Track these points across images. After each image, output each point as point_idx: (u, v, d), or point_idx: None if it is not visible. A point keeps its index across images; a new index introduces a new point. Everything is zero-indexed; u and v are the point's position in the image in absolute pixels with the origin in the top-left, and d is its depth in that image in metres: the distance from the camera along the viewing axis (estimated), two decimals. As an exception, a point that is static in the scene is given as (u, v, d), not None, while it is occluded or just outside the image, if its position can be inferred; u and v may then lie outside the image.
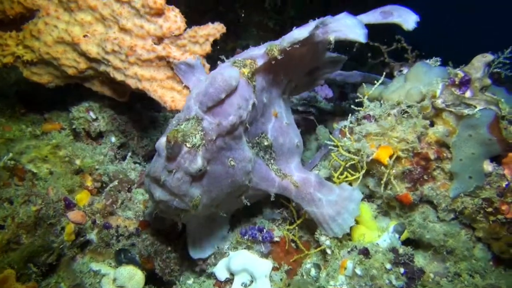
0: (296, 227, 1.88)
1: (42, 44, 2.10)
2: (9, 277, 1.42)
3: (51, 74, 2.28)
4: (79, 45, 2.03)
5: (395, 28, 2.15)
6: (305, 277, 1.74)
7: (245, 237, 1.75)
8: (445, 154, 1.65)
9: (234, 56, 1.84)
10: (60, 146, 2.01)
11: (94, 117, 2.47)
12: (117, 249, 1.81)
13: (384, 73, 1.90)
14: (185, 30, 2.19)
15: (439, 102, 1.62)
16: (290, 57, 1.74)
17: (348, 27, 1.88)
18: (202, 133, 1.50)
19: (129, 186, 2.24)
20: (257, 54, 1.72)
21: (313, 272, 1.71)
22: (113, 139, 2.56)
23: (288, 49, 1.65)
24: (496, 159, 1.63)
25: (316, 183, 1.80)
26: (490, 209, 1.59)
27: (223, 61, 1.78)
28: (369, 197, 1.93)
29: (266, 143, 1.80)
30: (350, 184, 1.92)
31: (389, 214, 1.86)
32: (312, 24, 1.68)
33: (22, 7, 2.14)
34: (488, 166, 1.60)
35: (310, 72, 2.20)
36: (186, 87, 2.06)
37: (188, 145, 1.47)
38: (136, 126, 2.73)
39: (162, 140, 1.51)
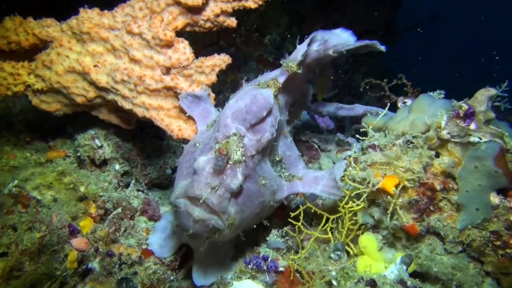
0: (302, 257, 1.85)
1: (53, 74, 2.15)
2: (10, 306, 1.39)
3: (59, 103, 2.32)
4: (89, 75, 2.08)
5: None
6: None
7: (249, 266, 1.73)
8: (451, 185, 1.65)
9: (255, 80, 1.97)
10: (65, 173, 2.02)
11: (99, 144, 2.49)
12: (119, 277, 1.78)
13: (388, 104, 1.93)
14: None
15: (444, 133, 1.64)
16: (294, 78, 1.96)
17: (341, 39, 2.16)
18: (243, 149, 1.57)
19: (132, 213, 2.23)
20: (277, 73, 1.93)
21: (319, 304, 1.67)
22: (117, 166, 2.57)
23: (302, 59, 1.91)
24: (503, 191, 1.63)
25: (314, 171, 2.03)
26: (498, 243, 1.56)
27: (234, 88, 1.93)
28: (374, 227, 1.91)
29: (277, 159, 1.92)
30: (355, 213, 1.92)
31: (395, 245, 1.84)
32: (308, 39, 1.99)
33: (37, 38, 2.21)
34: (495, 199, 1.59)
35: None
36: (191, 117, 2.10)
37: (230, 162, 1.54)
38: (139, 154, 2.75)
39: (201, 159, 1.55)
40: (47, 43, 2.20)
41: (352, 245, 1.92)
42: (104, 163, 2.55)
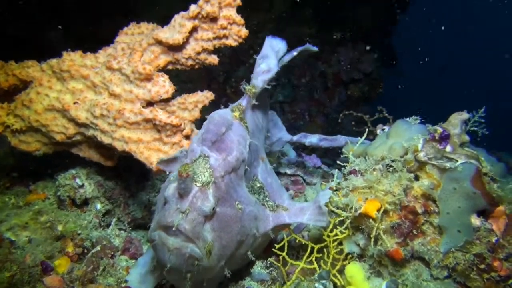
0: (287, 290, 1.80)
1: (32, 112, 2.15)
2: None
3: (39, 142, 2.30)
4: (68, 111, 2.08)
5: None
6: None
7: (233, 302, 1.66)
8: (432, 208, 1.65)
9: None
10: (42, 212, 1.97)
11: (80, 183, 2.46)
12: None
13: (367, 130, 1.96)
14: (174, 97, 2.28)
15: (421, 156, 1.66)
16: (260, 101, 2.05)
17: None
18: (210, 170, 1.55)
19: (112, 252, 2.16)
20: (240, 100, 1.98)
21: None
22: (99, 206, 2.52)
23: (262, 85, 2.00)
24: (483, 213, 1.63)
25: (299, 202, 2.06)
26: (482, 266, 1.54)
27: None
28: (360, 256, 1.88)
29: (258, 185, 1.90)
30: (341, 242, 1.89)
31: (382, 274, 1.80)
32: (267, 60, 2.10)
33: (17, 79, 2.23)
34: (475, 220, 1.58)
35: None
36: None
37: (198, 184, 1.50)
38: (123, 193, 2.71)
39: (171, 187, 1.53)
40: (28, 83, 2.22)
41: (339, 276, 1.87)
42: (85, 203, 2.50)
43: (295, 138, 2.85)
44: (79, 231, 2.06)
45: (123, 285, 1.88)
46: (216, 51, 2.44)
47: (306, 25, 5.50)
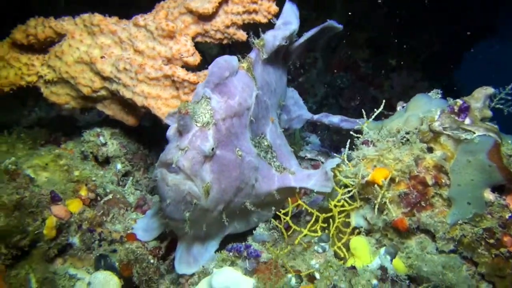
0: (286, 251, 1.78)
1: (63, 64, 2.25)
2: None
3: (68, 95, 2.40)
4: (95, 65, 2.17)
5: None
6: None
7: (231, 254, 1.67)
8: (443, 180, 1.59)
9: None
10: (62, 156, 2.06)
11: (103, 141, 2.55)
12: (98, 254, 1.75)
13: (384, 101, 1.92)
14: (201, 68, 2.32)
15: (436, 125, 1.60)
16: (274, 64, 2.02)
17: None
18: (211, 112, 1.57)
19: (125, 207, 2.21)
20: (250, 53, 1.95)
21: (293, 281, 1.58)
22: (119, 166, 2.60)
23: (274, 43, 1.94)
24: (500, 190, 1.55)
25: (307, 170, 2.08)
26: (491, 241, 1.47)
27: None
28: (368, 232, 1.84)
29: (266, 143, 1.89)
30: (349, 215, 1.86)
31: (388, 247, 1.75)
32: (289, 25, 2.08)
33: (53, 31, 2.34)
34: (489, 195, 1.51)
35: None
36: None
37: (198, 124, 1.53)
38: (144, 158, 2.78)
39: (172, 127, 1.58)
40: (62, 36, 2.32)
41: (344, 249, 1.84)
42: (107, 161, 2.59)
43: (315, 117, 2.81)
44: (94, 178, 2.14)
45: (128, 231, 1.93)
46: (245, 27, 2.45)
47: (360, 48, 5.43)
